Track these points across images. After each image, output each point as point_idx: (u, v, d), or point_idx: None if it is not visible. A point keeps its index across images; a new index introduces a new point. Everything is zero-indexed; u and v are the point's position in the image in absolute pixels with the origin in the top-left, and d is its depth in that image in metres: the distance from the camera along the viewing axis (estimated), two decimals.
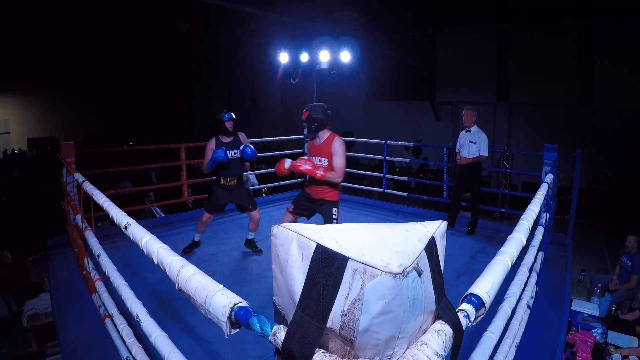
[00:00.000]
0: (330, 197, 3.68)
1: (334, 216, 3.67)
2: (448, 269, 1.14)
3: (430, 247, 0.86)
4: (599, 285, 5.61)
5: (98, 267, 2.67)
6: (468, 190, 5.49)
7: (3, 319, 5.87)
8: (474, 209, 5.48)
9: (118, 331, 2.28)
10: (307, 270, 0.83)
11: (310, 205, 3.77)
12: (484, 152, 5.12)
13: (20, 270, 6.09)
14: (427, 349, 0.77)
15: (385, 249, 0.79)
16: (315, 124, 3.63)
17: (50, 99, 18.70)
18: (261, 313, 0.89)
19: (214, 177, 4.37)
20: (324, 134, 3.69)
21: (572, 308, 4.92)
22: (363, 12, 11.87)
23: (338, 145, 3.59)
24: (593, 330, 4.43)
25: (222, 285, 1.00)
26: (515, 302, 1.89)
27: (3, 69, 15.44)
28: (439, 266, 0.88)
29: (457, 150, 5.39)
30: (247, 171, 5.83)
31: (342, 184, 7.69)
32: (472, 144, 5.18)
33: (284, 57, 7.37)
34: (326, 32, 8.02)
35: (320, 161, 3.64)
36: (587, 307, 5.06)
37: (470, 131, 5.23)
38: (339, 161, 3.55)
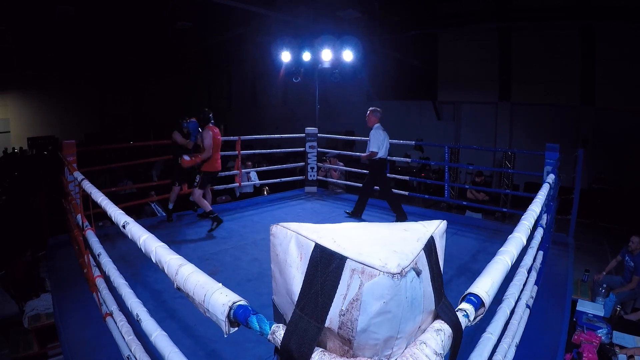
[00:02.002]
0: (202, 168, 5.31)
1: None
2: (448, 268, 1.14)
3: (429, 247, 0.85)
4: (604, 285, 5.60)
5: (98, 266, 2.67)
6: (379, 186, 5.88)
7: (5, 317, 5.87)
8: (388, 201, 5.86)
9: (119, 329, 2.28)
10: (305, 270, 0.82)
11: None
12: (372, 148, 5.53)
13: (31, 268, 6.14)
14: (426, 348, 0.77)
15: (383, 248, 0.78)
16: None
17: (50, 97, 18.73)
18: (261, 312, 0.88)
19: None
20: None
21: (577, 308, 4.90)
22: (365, 11, 11.84)
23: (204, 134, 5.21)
24: (598, 331, 4.41)
25: (220, 284, 1.00)
26: (514, 303, 1.89)
27: (3, 68, 15.44)
28: (438, 266, 0.87)
29: None
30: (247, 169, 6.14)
31: (343, 182, 7.74)
32: (369, 142, 5.61)
33: (286, 56, 7.36)
34: (328, 31, 7.99)
35: None
36: (592, 308, 5.04)
37: (372, 129, 5.63)
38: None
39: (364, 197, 5.95)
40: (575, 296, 5.22)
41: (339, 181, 7.76)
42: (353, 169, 8.07)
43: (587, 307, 5.04)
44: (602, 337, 4.31)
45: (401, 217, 5.75)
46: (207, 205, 5.30)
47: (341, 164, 8.11)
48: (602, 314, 4.91)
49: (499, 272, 1.17)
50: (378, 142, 5.52)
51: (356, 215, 5.94)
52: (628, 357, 4.13)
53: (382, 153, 5.58)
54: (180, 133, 5.59)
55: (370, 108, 5.75)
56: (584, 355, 3.92)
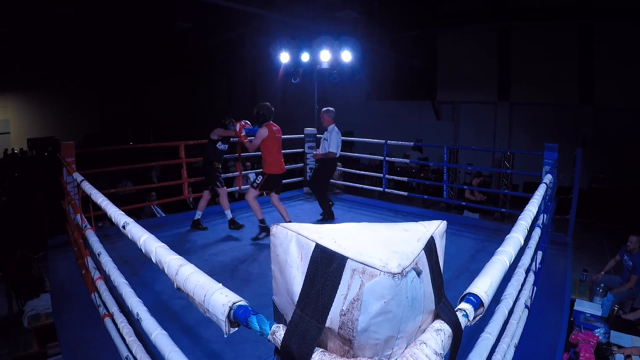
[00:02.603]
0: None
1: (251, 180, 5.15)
2: (447, 268, 1.14)
3: (430, 247, 0.86)
4: (602, 285, 5.61)
5: (98, 266, 2.67)
6: (320, 180, 6.07)
7: (4, 317, 5.88)
8: (318, 199, 6.07)
9: (118, 330, 2.28)
10: (306, 270, 0.82)
11: None
12: (332, 149, 5.74)
13: (25, 266, 6.15)
14: (426, 348, 0.77)
15: (384, 248, 0.78)
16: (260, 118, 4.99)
17: (50, 98, 18.70)
18: (261, 312, 0.89)
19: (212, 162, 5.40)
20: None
21: (574, 308, 4.91)
22: (364, 12, 11.86)
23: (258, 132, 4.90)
24: (596, 330, 4.42)
25: (221, 284, 1.00)
26: (512, 303, 1.89)
27: (3, 69, 15.42)
28: (438, 266, 0.88)
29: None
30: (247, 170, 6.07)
31: (343, 182, 7.73)
32: (325, 141, 5.83)
33: (284, 57, 7.36)
34: (327, 31, 7.99)
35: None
36: (590, 307, 5.05)
37: (327, 129, 5.83)
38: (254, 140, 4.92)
39: (324, 195, 6.07)
40: (574, 296, 5.22)
41: (337, 182, 7.75)
42: (351, 170, 8.07)
43: (585, 306, 5.05)
44: (600, 337, 4.32)
45: (328, 214, 5.95)
46: (259, 212, 5.01)
47: (339, 164, 8.10)
48: (599, 314, 4.92)
49: (497, 272, 1.17)
50: (337, 143, 5.75)
51: (330, 217, 5.95)
52: (625, 357, 4.14)
53: (338, 153, 5.85)
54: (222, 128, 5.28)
55: (324, 109, 5.86)
56: (581, 354, 3.93)
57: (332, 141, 5.69)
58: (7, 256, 6.29)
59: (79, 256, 3.48)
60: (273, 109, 5.04)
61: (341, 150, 5.94)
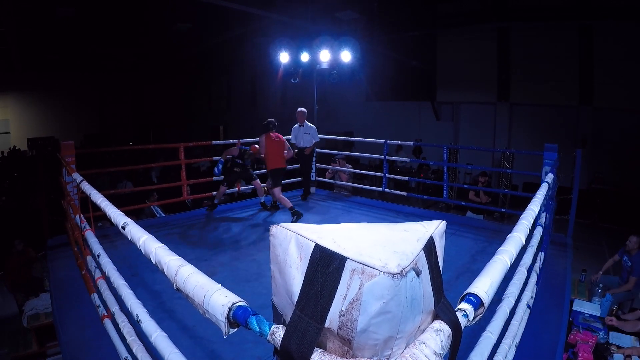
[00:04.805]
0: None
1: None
2: (447, 268, 1.14)
3: (429, 247, 0.85)
4: (600, 285, 5.60)
5: (98, 266, 2.67)
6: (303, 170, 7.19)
7: (10, 316, 5.87)
8: (306, 183, 7.26)
9: (117, 331, 2.27)
10: (305, 270, 0.82)
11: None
12: (317, 138, 7.00)
13: (27, 263, 6.15)
14: (425, 348, 0.77)
15: (383, 249, 0.78)
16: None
17: (50, 98, 18.71)
18: (260, 313, 0.88)
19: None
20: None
21: (573, 308, 4.91)
22: (364, 12, 11.85)
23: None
24: (595, 331, 4.43)
25: (220, 285, 1.00)
26: (513, 302, 1.88)
27: (3, 69, 15.43)
28: (438, 266, 0.88)
29: (292, 141, 6.98)
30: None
31: (342, 183, 7.70)
32: (307, 135, 6.92)
33: (284, 57, 7.34)
34: (327, 32, 7.98)
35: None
36: (589, 308, 5.05)
37: (303, 126, 6.99)
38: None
39: (308, 179, 7.31)
40: (572, 296, 5.22)
41: (348, 184, 7.60)
42: (359, 171, 7.99)
43: (584, 307, 5.05)
44: (598, 337, 4.32)
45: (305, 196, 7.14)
46: (287, 202, 5.81)
47: (349, 165, 7.96)
48: (598, 314, 4.92)
49: (498, 272, 1.17)
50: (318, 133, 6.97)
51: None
52: (625, 357, 4.14)
53: None
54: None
55: (299, 109, 6.98)
56: (580, 355, 3.93)
57: (314, 132, 6.91)
58: (7, 251, 6.28)
59: (79, 256, 3.47)
60: (271, 124, 5.97)
61: (341, 150, 6.06)
